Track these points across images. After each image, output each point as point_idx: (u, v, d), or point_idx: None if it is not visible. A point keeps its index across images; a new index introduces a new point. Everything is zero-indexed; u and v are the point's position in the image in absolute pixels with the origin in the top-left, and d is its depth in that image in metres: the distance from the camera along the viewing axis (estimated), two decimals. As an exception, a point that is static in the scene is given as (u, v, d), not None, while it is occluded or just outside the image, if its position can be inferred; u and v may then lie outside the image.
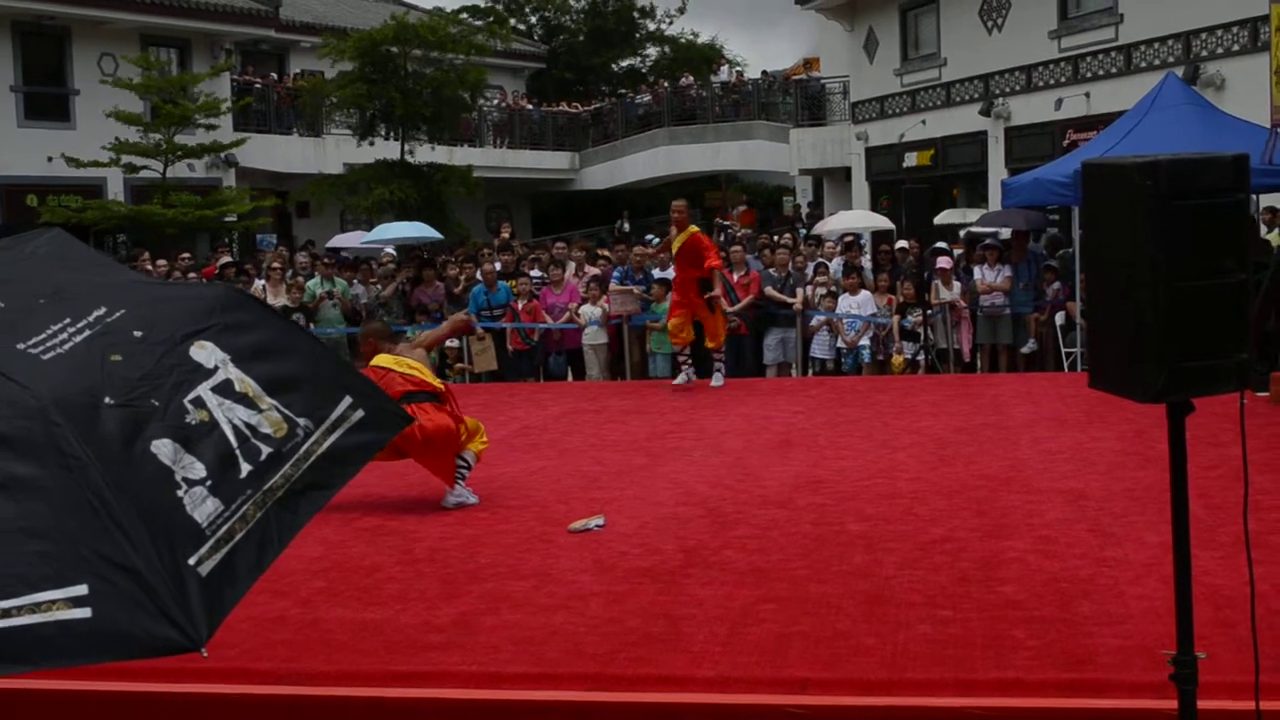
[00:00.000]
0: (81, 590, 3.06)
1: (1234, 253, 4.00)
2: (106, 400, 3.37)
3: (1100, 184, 4.16)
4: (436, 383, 9.45)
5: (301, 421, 3.66)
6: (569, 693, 5.60)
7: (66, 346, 3.49)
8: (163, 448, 3.36)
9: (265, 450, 3.55)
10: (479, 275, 17.94)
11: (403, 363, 9.37)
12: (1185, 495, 4.30)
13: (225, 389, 3.58)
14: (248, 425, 3.55)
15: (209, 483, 3.39)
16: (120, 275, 4.35)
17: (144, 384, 3.47)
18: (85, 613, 3.05)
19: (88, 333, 3.55)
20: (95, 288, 3.85)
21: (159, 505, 3.27)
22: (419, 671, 5.84)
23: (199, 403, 3.51)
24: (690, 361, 14.73)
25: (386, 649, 6.10)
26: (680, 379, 14.62)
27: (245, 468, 3.48)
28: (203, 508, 3.34)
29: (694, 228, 14.41)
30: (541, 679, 5.69)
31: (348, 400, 3.80)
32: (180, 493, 3.33)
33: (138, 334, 3.60)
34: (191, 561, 3.24)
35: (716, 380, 14.61)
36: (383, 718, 5.78)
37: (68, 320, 3.57)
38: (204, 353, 3.62)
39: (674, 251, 14.44)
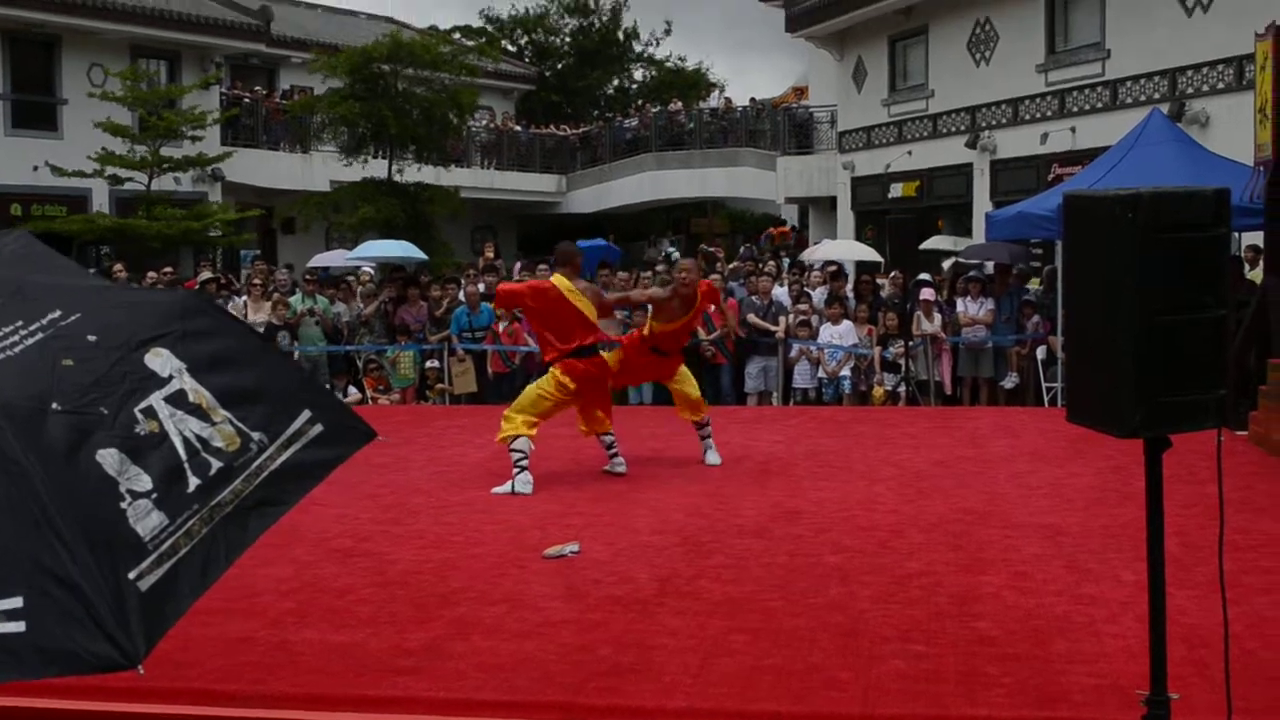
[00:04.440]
0: (16, 603, 2.99)
1: (1214, 288, 3.97)
2: (54, 406, 3.29)
3: (1082, 216, 4.13)
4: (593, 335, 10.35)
5: (256, 435, 3.58)
6: (537, 721, 5.54)
7: (18, 349, 3.42)
8: (108, 458, 3.29)
9: (216, 464, 3.47)
10: (462, 296, 17.90)
11: (580, 298, 10.21)
12: (1161, 533, 4.26)
13: (178, 399, 3.50)
14: (199, 438, 3.47)
15: (154, 496, 3.31)
16: (81, 279, 4.26)
17: (94, 390, 3.39)
18: (19, 626, 2.97)
19: (40, 335, 3.48)
20: (53, 290, 3.77)
21: (101, 517, 3.19)
22: (387, 697, 5.76)
23: (150, 412, 3.43)
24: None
25: (355, 673, 6.02)
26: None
27: (193, 482, 3.41)
28: (146, 521, 3.26)
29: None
30: (511, 707, 5.62)
31: (306, 414, 3.72)
32: (124, 505, 3.25)
33: (91, 338, 3.53)
34: (131, 576, 3.16)
35: (715, 456, 11.43)
36: (348, 742, 5.71)
37: (20, 323, 3.50)
38: (159, 360, 3.54)
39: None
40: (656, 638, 6.38)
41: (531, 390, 10.54)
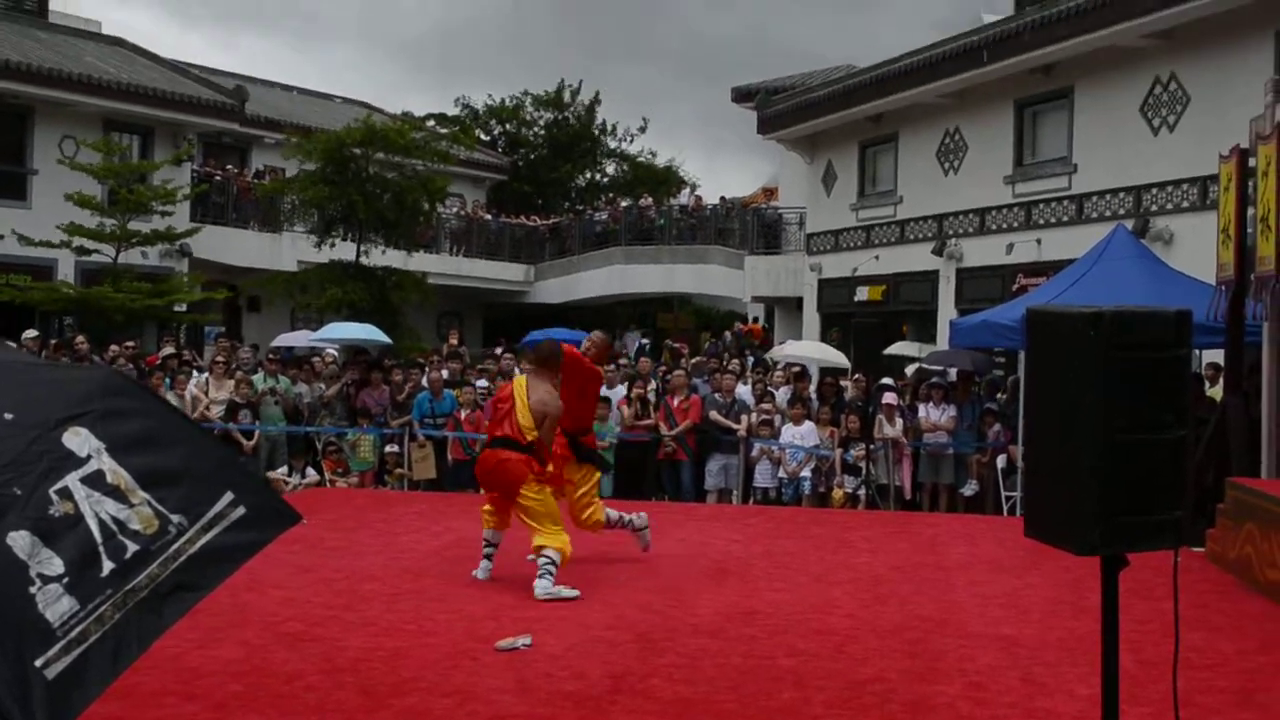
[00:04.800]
0: None
1: (1175, 407, 4.00)
2: None
3: (1045, 330, 4.16)
4: (528, 434, 9.88)
5: (175, 518, 3.48)
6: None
7: None
8: (19, 540, 3.19)
9: (132, 547, 3.37)
10: (425, 382, 17.87)
11: (524, 401, 9.95)
12: (1116, 652, 4.25)
13: (96, 480, 3.41)
14: (116, 520, 3.38)
15: (66, 580, 3.21)
16: (3, 354, 4.19)
17: (8, 470, 3.30)
18: None
19: None
20: None
21: (8, 602, 3.10)
22: (328, 787, 5.66)
23: (65, 493, 3.34)
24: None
25: (297, 761, 5.92)
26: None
27: (108, 565, 3.31)
28: (56, 606, 3.16)
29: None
30: (454, 802, 5.53)
31: (229, 496, 3.62)
32: (33, 589, 3.15)
33: (8, 416, 3.44)
34: (38, 664, 3.07)
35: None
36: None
37: None
38: (78, 440, 3.45)
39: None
40: (606, 737, 6.30)
41: None
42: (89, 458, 3.43)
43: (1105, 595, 4.22)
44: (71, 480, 3.37)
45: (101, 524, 3.35)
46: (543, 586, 9.52)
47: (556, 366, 10.27)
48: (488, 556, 10.34)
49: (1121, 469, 3.94)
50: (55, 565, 3.22)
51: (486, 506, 10.38)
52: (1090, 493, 3.94)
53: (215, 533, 3.55)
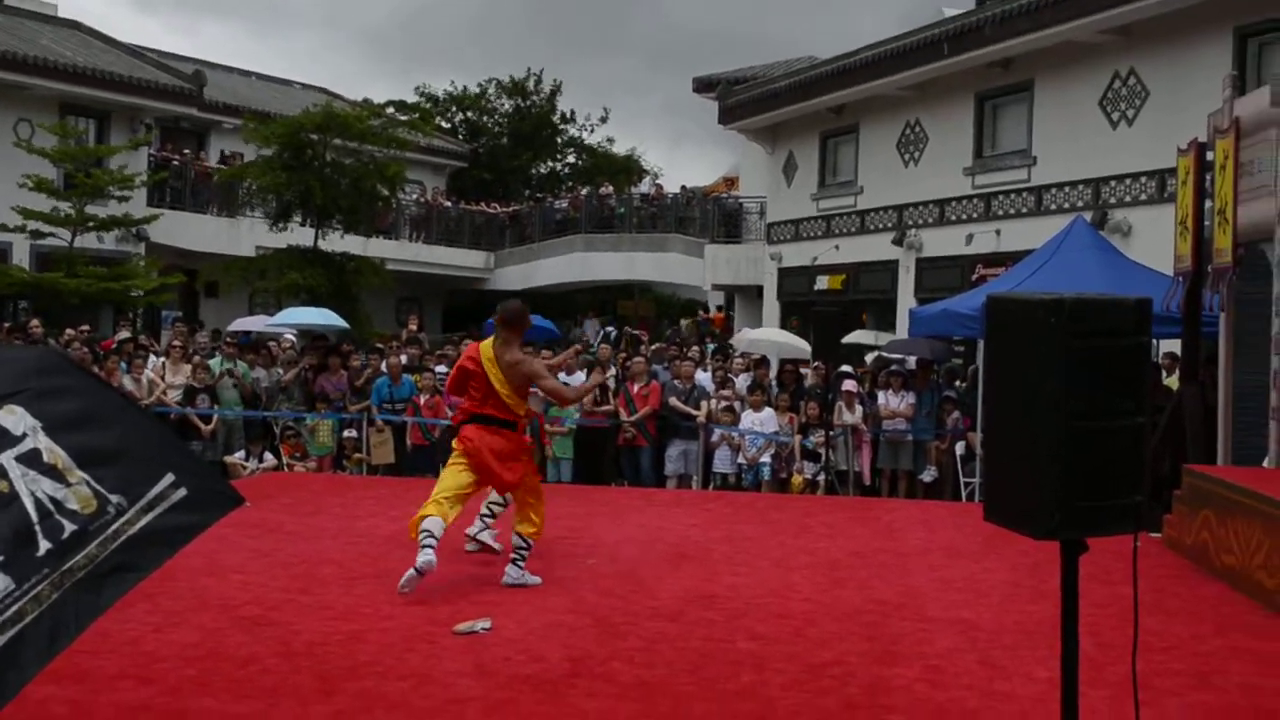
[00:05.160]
0: None
1: (1134, 395, 4.02)
2: None
3: (1005, 318, 4.17)
4: (515, 411, 9.51)
5: (114, 498, 3.42)
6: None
7: None
8: None
9: (69, 527, 3.32)
10: (384, 367, 17.81)
11: (496, 374, 9.41)
12: (1075, 635, 4.28)
13: (31, 458, 3.35)
14: (52, 499, 3.32)
15: (0, 559, 3.17)
16: None
17: None
18: None
19: None
20: None
21: None
22: (287, 770, 5.64)
23: (0, 471, 3.31)
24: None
25: (255, 744, 5.89)
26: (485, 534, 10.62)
27: (44, 545, 3.25)
28: None
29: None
30: (413, 785, 5.52)
31: (170, 478, 3.55)
32: None
33: None
34: None
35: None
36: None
37: None
38: (12, 418, 3.38)
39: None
40: (565, 719, 6.30)
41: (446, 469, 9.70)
42: (24, 436, 3.38)
43: (1065, 579, 4.25)
44: (6, 458, 3.31)
45: (38, 503, 3.30)
46: (514, 573, 9.34)
47: (525, 327, 9.83)
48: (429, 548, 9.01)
49: (1081, 455, 3.96)
50: None
51: (465, 487, 9.38)
52: (1050, 478, 3.96)
53: (156, 514, 3.49)
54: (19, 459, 3.34)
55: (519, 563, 9.43)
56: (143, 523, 3.45)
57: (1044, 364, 3.95)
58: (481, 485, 9.64)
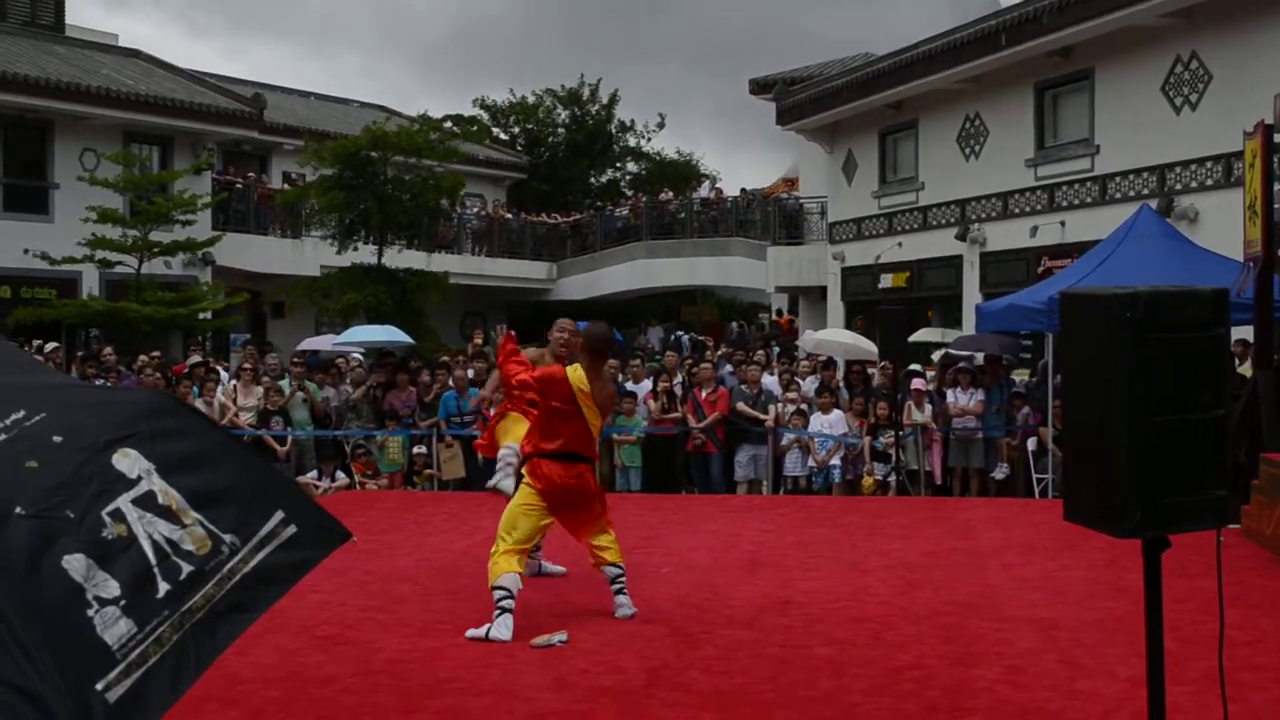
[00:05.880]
0: None
1: (1213, 387, 3.96)
2: (17, 510, 3.16)
3: (1079, 313, 4.12)
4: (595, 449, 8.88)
5: (228, 538, 3.44)
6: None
7: None
8: (75, 563, 3.16)
9: (186, 568, 3.33)
10: (450, 382, 17.88)
11: (591, 406, 8.65)
12: (1160, 634, 4.21)
13: (147, 501, 3.37)
14: (169, 541, 3.33)
15: (123, 602, 3.17)
16: (46, 376, 4.16)
17: (60, 493, 3.26)
18: None
19: (3, 437, 3.36)
20: (16, 390, 3.66)
21: (67, 625, 3.06)
22: (370, 789, 5.66)
23: (118, 515, 3.30)
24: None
25: (338, 764, 5.92)
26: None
27: (163, 587, 3.27)
28: (114, 629, 3.12)
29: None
30: (497, 801, 5.53)
31: (280, 515, 3.57)
32: (91, 612, 3.12)
33: (57, 439, 3.41)
34: (99, 687, 3.03)
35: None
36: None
37: None
38: (127, 461, 3.41)
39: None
40: (646, 731, 6.29)
41: (511, 506, 8.87)
42: (139, 479, 3.39)
43: (1148, 577, 4.18)
44: (123, 502, 3.33)
45: (155, 545, 3.31)
46: (625, 604, 8.75)
47: (610, 350, 9.26)
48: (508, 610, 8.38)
49: (1161, 451, 3.90)
50: (111, 587, 3.18)
51: (541, 531, 8.96)
52: (1130, 475, 3.90)
53: (267, 552, 3.51)
54: (135, 502, 3.36)
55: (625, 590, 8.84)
56: (255, 561, 3.48)
57: (1120, 359, 3.89)
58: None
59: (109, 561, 3.22)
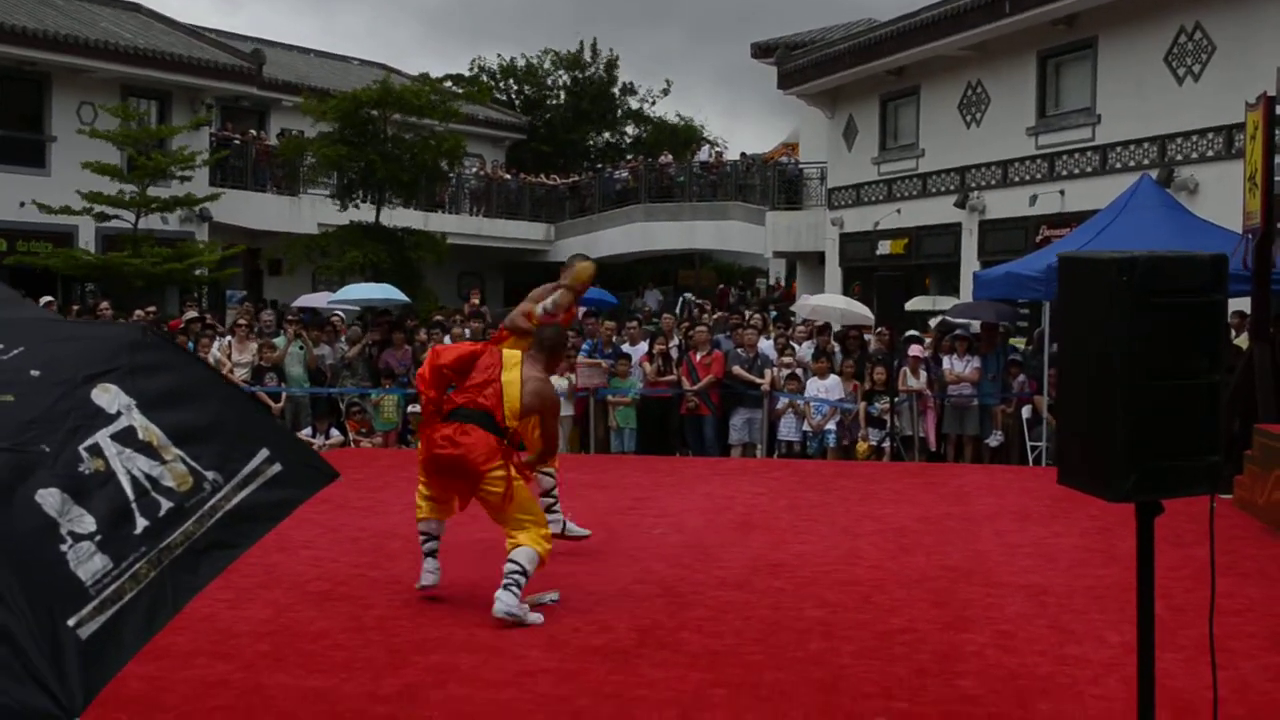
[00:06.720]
0: None
1: (1209, 353, 3.95)
2: None
3: (1076, 278, 4.10)
4: (510, 421, 8.01)
5: (209, 475, 3.37)
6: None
7: None
8: (49, 498, 3.10)
9: (166, 505, 3.27)
10: (447, 340, 17.85)
11: (514, 368, 8.12)
12: (1151, 599, 4.22)
13: (127, 436, 3.31)
14: (148, 477, 3.27)
15: (98, 538, 3.11)
16: (25, 311, 4.09)
17: (35, 427, 3.21)
18: None
19: None
20: None
21: (38, 560, 3.01)
22: (360, 743, 5.67)
23: (96, 450, 3.24)
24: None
25: (329, 718, 5.93)
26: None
27: (141, 523, 3.20)
28: (88, 565, 3.06)
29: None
30: (485, 756, 5.54)
31: (264, 453, 3.50)
32: (64, 547, 3.06)
33: (35, 373, 3.36)
34: (71, 623, 2.98)
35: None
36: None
37: None
38: (107, 396, 3.35)
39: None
40: (635, 689, 6.31)
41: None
42: (119, 414, 3.34)
43: (1140, 542, 4.18)
44: (101, 437, 3.27)
45: (134, 481, 3.25)
46: (506, 602, 7.52)
47: (561, 359, 8.96)
48: (431, 554, 8.34)
49: (1156, 415, 3.90)
50: (87, 523, 3.12)
51: (424, 489, 8.38)
52: (1124, 440, 3.90)
53: (251, 490, 3.44)
54: (114, 437, 3.30)
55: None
56: (238, 499, 3.40)
57: (1117, 323, 3.88)
58: None
59: (85, 497, 3.16)
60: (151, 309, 21.28)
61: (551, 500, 9.58)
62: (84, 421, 3.30)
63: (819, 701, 6.12)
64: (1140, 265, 3.85)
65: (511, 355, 8.30)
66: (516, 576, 7.59)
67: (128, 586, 3.11)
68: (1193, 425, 3.94)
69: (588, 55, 51.35)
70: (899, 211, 28.60)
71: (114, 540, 3.14)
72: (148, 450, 3.32)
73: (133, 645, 3.08)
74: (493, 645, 7.06)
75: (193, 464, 3.37)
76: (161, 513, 3.26)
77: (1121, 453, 3.90)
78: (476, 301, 25.80)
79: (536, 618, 7.60)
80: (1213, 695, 4.78)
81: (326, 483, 3.68)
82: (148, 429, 3.34)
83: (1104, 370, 3.95)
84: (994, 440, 16.60)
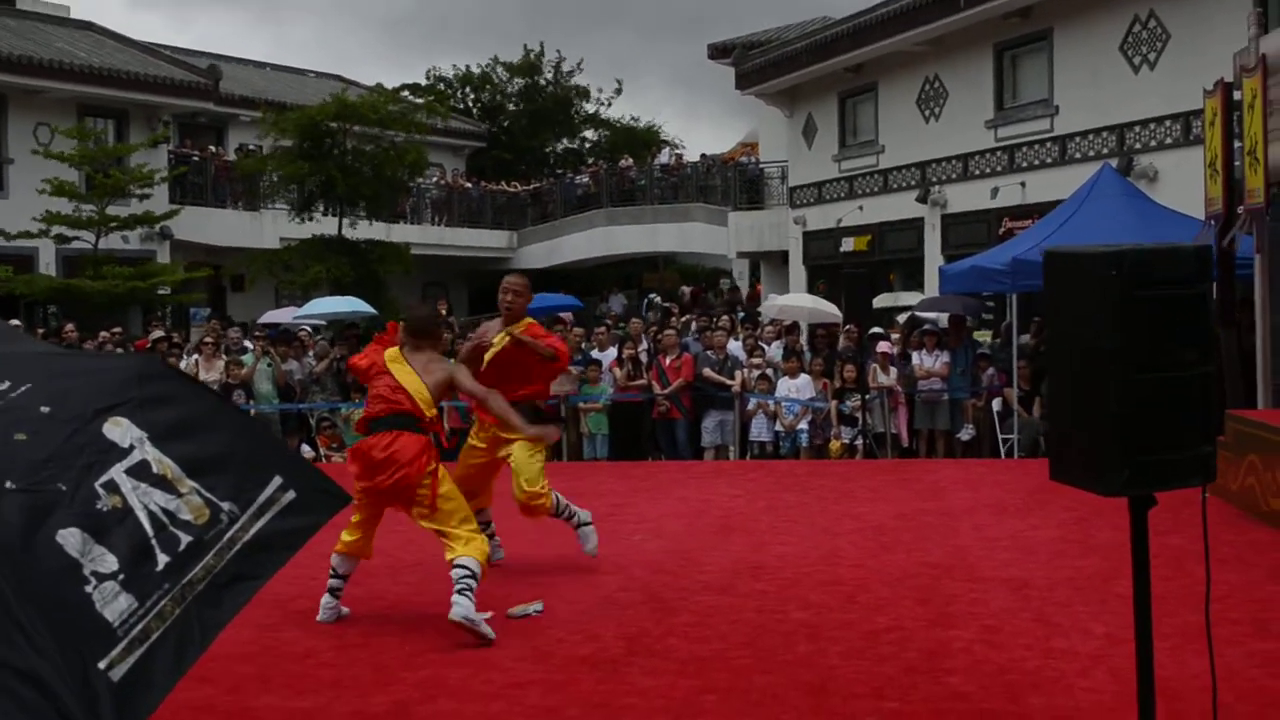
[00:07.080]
0: None
1: (1197, 344, 3.96)
2: (7, 484, 3.06)
3: (1063, 273, 4.11)
4: (426, 409, 7.88)
5: (226, 506, 3.34)
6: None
7: None
8: (69, 538, 3.05)
9: (185, 539, 3.23)
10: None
11: (407, 373, 7.96)
12: (1148, 592, 4.24)
13: (141, 471, 3.26)
14: (165, 511, 3.23)
15: (121, 577, 3.07)
16: (28, 345, 4.04)
17: (50, 466, 3.15)
18: None
19: None
20: (0, 360, 3.55)
21: (65, 603, 2.96)
22: (352, 763, 5.64)
23: (111, 487, 3.19)
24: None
25: (318, 738, 5.90)
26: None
27: (162, 559, 3.17)
28: (114, 605, 3.02)
29: (529, 318, 9.33)
30: (479, 771, 5.51)
31: (278, 481, 3.48)
32: (89, 589, 3.02)
33: (45, 409, 3.30)
34: (102, 665, 2.94)
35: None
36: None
37: None
38: (119, 430, 3.30)
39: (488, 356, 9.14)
40: (625, 698, 6.29)
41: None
42: (132, 448, 3.28)
43: (1135, 535, 4.20)
44: (117, 472, 3.22)
45: (152, 516, 3.21)
46: (463, 606, 7.34)
47: (439, 337, 8.65)
48: (333, 592, 8.16)
49: (1147, 408, 3.91)
50: (109, 562, 3.08)
51: (355, 517, 8.11)
52: (1116, 434, 3.91)
53: (267, 518, 3.41)
54: (129, 472, 3.25)
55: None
56: (255, 529, 3.37)
57: (1105, 317, 3.89)
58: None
59: (105, 535, 3.12)
60: (116, 330, 21.12)
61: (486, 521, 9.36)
62: (98, 457, 3.25)
63: (810, 704, 6.12)
64: (1128, 259, 3.86)
65: (390, 353, 8.14)
66: (468, 581, 7.44)
67: (154, 625, 3.07)
68: (1185, 417, 3.96)
69: (537, 59, 51.12)
70: (861, 208, 28.66)
71: (137, 579, 3.10)
72: (163, 484, 3.27)
73: (164, 685, 3.04)
74: (480, 659, 7.03)
75: (208, 495, 3.32)
76: (181, 547, 3.22)
77: (1114, 447, 3.91)
78: (443, 311, 25.72)
79: (488, 630, 7.39)
80: (1208, 685, 4.82)
81: (341, 507, 3.68)
82: (161, 462, 3.30)
83: (1093, 365, 3.97)
84: (965, 434, 16.65)
